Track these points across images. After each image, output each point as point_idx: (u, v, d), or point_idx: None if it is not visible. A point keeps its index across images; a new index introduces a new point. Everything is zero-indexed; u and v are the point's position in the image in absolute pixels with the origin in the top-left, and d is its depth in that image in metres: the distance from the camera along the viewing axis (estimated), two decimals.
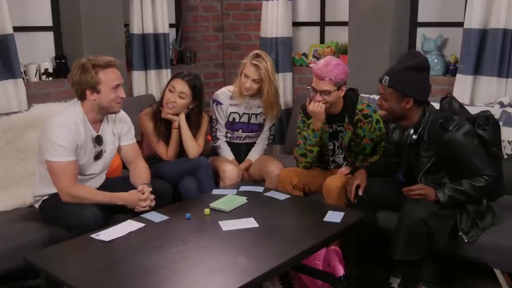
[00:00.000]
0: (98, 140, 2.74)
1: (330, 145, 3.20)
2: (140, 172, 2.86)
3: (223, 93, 3.51)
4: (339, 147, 3.18)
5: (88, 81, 2.59)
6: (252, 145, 3.64)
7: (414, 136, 2.61)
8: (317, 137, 3.06)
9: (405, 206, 2.57)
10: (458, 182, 2.56)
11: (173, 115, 3.21)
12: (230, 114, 3.50)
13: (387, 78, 2.59)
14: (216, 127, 3.53)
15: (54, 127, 2.57)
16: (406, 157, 2.75)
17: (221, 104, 3.48)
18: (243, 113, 3.51)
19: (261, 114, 3.54)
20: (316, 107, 2.98)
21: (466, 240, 2.55)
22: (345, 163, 3.20)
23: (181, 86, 3.16)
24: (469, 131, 2.54)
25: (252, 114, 3.53)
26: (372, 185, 2.84)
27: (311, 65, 3.01)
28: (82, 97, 2.65)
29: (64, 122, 2.59)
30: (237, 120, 3.52)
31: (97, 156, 2.76)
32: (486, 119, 2.62)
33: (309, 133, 3.07)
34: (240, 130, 3.56)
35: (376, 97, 3.67)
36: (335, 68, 2.93)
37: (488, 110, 2.68)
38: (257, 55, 3.37)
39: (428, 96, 2.65)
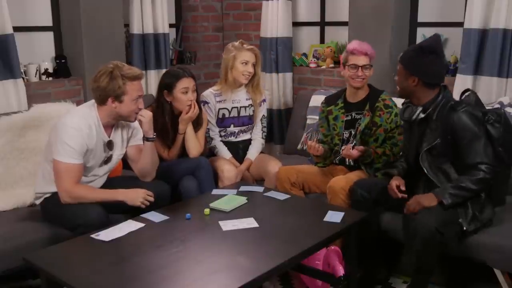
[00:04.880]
0: (109, 145, 2.75)
1: (345, 133, 3.22)
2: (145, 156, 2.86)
3: (208, 92, 3.55)
4: (354, 136, 3.19)
5: (115, 90, 2.59)
6: (248, 142, 3.64)
7: (421, 115, 2.65)
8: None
9: (418, 218, 2.49)
10: (456, 180, 2.56)
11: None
12: (219, 111, 3.52)
13: (401, 54, 2.71)
14: (208, 127, 3.54)
15: (68, 128, 2.57)
16: (414, 137, 2.75)
17: (208, 103, 3.51)
18: (232, 108, 3.53)
19: (250, 106, 3.57)
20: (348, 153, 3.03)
21: (465, 228, 2.52)
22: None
23: (189, 82, 3.22)
24: (477, 117, 2.55)
25: (241, 107, 3.55)
26: (377, 187, 2.84)
27: (349, 48, 3.20)
28: (102, 102, 2.65)
29: (78, 124, 2.59)
30: (226, 115, 3.53)
31: (106, 161, 2.78)
32: (498, 116, 2.61)
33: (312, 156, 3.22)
34: (232, 125, 3.57)
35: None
36: (369, 46, 3.16)
37: (502, 109, 2.67)
38: (242, 42, 3.50)
39: (437, 80, 2.66)
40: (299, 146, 3.94)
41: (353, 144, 3.14)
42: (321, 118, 3.36)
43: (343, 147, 3.08)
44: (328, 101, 3.34)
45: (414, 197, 2.61)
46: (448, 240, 2.50)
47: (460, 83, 3.43)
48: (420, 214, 2.52)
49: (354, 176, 3.04)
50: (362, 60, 3.11)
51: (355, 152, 2.99)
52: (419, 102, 2.69)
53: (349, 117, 3.20)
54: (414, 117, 2.67)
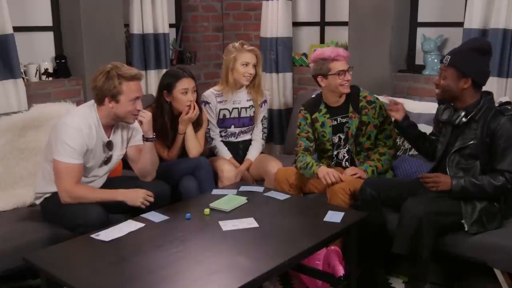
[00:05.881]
0: (109, 145, 2.75)
1: (334, 138, 3.20)
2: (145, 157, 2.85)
3: (209, 92, 3.55)
4: (345, 139, 3.18)
5: (110, 90, 2.60)
6: (248, 142, 3.64)
7: (464, 119, 2.63)
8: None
9: (408, 201, 2.58)
10: (478, 176, 2.57)
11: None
12: (219, 111, 3.52)
13: (449, 57, 2.64)
14: (209, 127, 3.54)
15: (68, 128, 2.58)
16: (448, 138, 2.74)
17: (209, 103, 3.50)
18: (233, 109, 3.53)
19: (251, 107, 3.56)
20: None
21: (466, 229, 2.55)
22: (346, 158, 3.19)
23: (189, 83, 3.22)
24: None
25: (241, 108, 3.55)
26: (387, 188, 2.84)
27: (317, 56, 3.12)
28: (99, 102, 2.66)
29: (79, 124, 2.60)
30: (227, 116, 3.54)
31: (106, 161, 2.78)
32: None
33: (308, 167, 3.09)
34: (232, 126, 3.57)
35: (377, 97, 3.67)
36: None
37: None
38: (243, 43, 3.47)
39: (485, 81, 2.68)
40: None
41: (347, 148, 3.16)
42: (305, 123, 3.21)
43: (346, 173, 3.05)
44: (309, 107, 3.23)
45: (436, 174, 2.63)
46: (425, 238, 2.50)
47: None
48: (408, 201, 2.59)
49: (354, 176, 3.03)
50: (345, 64, 3.07)
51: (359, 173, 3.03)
52: (462, 105, 2.66)
53: (335, 122, 3.18)
54: (457, 121, 2.65)
